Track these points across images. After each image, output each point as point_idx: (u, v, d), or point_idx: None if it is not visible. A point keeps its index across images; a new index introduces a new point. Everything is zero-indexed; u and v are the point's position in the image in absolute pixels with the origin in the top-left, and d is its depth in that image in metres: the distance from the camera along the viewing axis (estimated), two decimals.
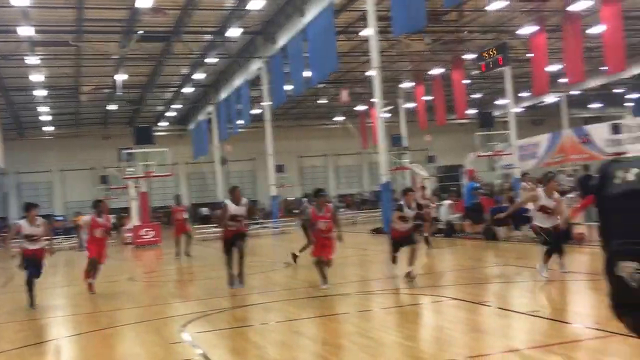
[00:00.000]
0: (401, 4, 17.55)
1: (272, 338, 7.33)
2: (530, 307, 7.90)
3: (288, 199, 42.83)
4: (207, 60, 29.49)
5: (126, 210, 28.40)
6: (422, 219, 15.57)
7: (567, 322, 7.03)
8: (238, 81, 32.24)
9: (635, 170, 1.62)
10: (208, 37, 27.38)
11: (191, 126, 44.53)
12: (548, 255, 9.50)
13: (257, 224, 29.66)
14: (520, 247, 15.00)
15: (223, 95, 35.44)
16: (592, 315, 7.12)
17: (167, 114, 43.56)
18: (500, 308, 8.17)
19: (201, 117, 41.23)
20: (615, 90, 43.72)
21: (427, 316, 8.21)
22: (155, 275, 15.72)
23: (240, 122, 33.55)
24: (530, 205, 10.21)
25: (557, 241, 9.57)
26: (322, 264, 9.92)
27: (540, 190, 9.73)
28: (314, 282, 10.22)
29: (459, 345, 6.43)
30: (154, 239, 24.63)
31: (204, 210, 42.40)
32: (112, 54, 26.93)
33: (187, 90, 35.95)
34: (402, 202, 10.58)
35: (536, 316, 7.30)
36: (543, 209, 9.56)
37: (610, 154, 26.10)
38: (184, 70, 33.04)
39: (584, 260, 12.41)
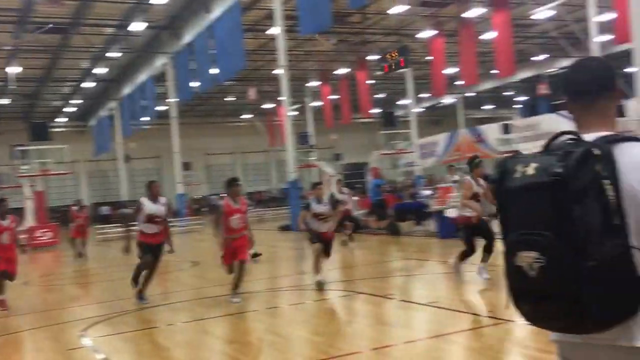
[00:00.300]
0: (307, 4, 17.76)
1: (178, 339, 7.21)
2: (430, 298, 8.24)
3: (195, 197, 42.34)
4: (108, 54, 28.45)
5: (20, 211, 26.89)
6: (350, 219, 15.38)
7: (464, 312, 7.37)
8: (142, 76, 31.36)
9: (534, 165, 1.71)
10: (110, 30, 26.43)
11: (92, 122, 42.77)
12: (464, 258, 8.85)
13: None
14: (422, 241, 15.62)
15: (126, 90, 34.33)
16: (488, 304, 7.53)
17: (66, 109, 41.57)
18: (402, 300, 8.48)
19: (103, 113, 39.73)
20: (505, 93, 46.38)
21: (334, 311, 8.38)
22: (53, 278, 15.02)
23: (145, 118, 32.64)
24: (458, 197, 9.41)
25: (487, 233, 8.70)
26: (236, 269, 8.53)
27: (469, 179, 8.89)
28: (222, 280, 10.11)
29: (364, 337, 6.64)
30: (51, 240, 23.51)
31: (105, 210, 40.97)
32: (5, 45, 25.41)
33: (88, 84, 34.50)
34: (310, 200, 9.62)
35: (435, 307, 7.64)
36: (475, 197, 8.72)
37: (501, 153, 27.69)
38: (84, 64, 31.69)
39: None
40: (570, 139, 1.78)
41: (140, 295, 9.04)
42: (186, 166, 34.92)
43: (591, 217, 1.62)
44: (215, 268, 11.60)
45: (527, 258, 1.68)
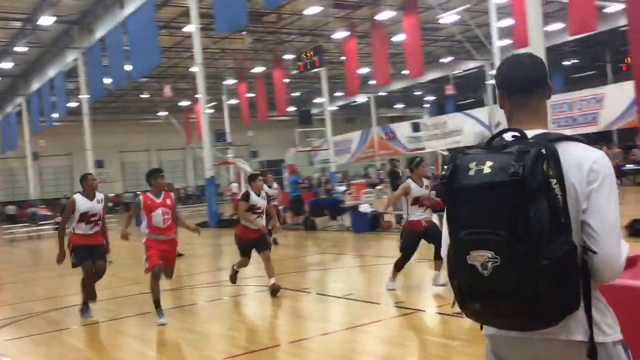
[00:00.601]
0: (223, 2, 17.76)
1: (92, 340, 7.11)
2: (344, 291, 8.54)
3: (109, 195, 41.28)
4: (15, 48, 27.22)
5: None
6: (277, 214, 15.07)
7: (377, 303, 7.66)
8: (52, 72, 30.18)
9: (489, 163, 1.69)
10: (17, 24, 25.31)
11: None
12: (400, 267, 7.88)
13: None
14: (336, 236, 16.05)
15: (35, 86, 32.92)
16: (399, 295, 7.88)
17: None
18: (318, 294, 8.73)
19: (9, 109, 37.91)
20: (415, 93, 47.97)
21: (251, 306, 8.50)
22: None
23: (55, 115, 31.46)
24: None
25: (436, 240, 7.37)
26: (158, 278, 7.30)
27: (409, 181, 7.94)
28: (136, 279, 9.97)
29: (281, 331, 6.83)
30: None
31: (12, 209, 39.10)
32: None
33: None
34: (249, 190, 8.63)
35: (350, 299, 7.95)
36: (417, 202, 7.86)
37: (412, 150, 28.79)
38: None
39: (392, 245, 13.68)
40: (514, 136, 1.78)
41: (87, 308, 7.96)
42: (99, 163, 33.98)
43: (544, 216, 1.62)
44: (129, 266, 11.46)
45: (481, 257, 1.65)
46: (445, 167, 1.79)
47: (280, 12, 25.41)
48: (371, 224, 15.65)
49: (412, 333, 6.24)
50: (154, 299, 7.23)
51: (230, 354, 5.93)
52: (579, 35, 22.12)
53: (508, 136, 1.79)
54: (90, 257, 7.65)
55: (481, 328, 1.91)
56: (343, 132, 37.11)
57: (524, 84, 1.88)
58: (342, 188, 20.42)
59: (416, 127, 29.59)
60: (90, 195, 7.75)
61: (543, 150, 1.67)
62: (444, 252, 1.91)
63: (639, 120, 14.45)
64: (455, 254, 1.74)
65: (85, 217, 7.62)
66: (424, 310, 6.93)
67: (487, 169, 1.69)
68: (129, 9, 21.97)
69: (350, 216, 16.26)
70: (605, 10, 23.79)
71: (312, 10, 23.16)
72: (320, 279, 10.35)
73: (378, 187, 18.95)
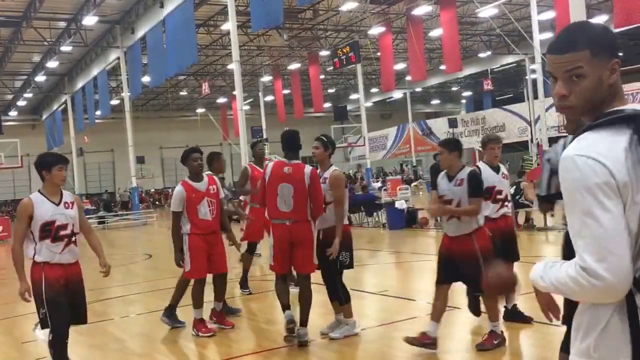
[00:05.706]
0: (259, 0, 17.92)
1: (133, 330, 7.25)
2: (380, 287, 8.59)
3: (149, 190, 42.32)
4: (61, 48, 28.00)
5: None
6: None
7: (412, 299, 7.74)
8: (95, 70, 30.94)
9: None
10: (62, 24, 26.03)
11: (44, 116, 41.90)
12: None
13: (116, 215, 29.28)
14: (372, 232, 16.07)
15: (79, 84, 33.79)
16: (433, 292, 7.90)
17: (18, 103, 40.61)
18: (354, 289, 8.75)
19: (55, 107, 39.01)
20: (452, 88, 47.45)
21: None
22: (5, 272, 14.82)
23: (98, 112, 32.32)
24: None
25: None
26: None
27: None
28: (176, 272, 10.05)
29: (317, 326, 6.73)
30: (2, 234, 23.12)
31: None
32: None
33: (40, 78, 33.77)
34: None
35: (385, 295, 8.00)
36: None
37: None
38: (36, 58, 31.07)
39: (428, 242, 13.67)
40: None
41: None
42: (140, 159, 34.72)
43: None
44: (169, 260, 11.60)
45: None
46: None
47: (316, 8, 25.47)
48: (407, 220, 15.63)
49: (448, 330, 6.20)
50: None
51: (265, 347, 6.03)
52: (625, 28, 21.53)
53: None
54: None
55: None
56: (379, 128, 36.97)
57: None
58: (378, 184, 20.38)
59: (453, 123, 29.29)
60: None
61: None
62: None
63: None
64: None
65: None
66: (459, 308, 6.90)
67: None
68: (169, 8, 22.32)
69: (386, 213, 16.25)
70: None
71: (348, 6, 23.13)
72: (355, 276, 10.31)
73: (414, 184, 18.90)
